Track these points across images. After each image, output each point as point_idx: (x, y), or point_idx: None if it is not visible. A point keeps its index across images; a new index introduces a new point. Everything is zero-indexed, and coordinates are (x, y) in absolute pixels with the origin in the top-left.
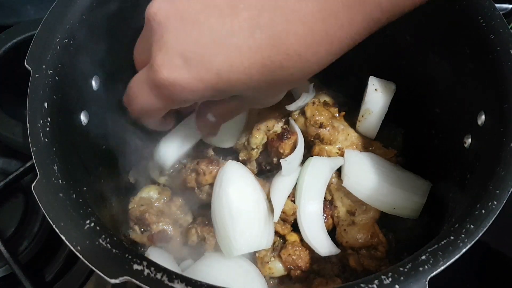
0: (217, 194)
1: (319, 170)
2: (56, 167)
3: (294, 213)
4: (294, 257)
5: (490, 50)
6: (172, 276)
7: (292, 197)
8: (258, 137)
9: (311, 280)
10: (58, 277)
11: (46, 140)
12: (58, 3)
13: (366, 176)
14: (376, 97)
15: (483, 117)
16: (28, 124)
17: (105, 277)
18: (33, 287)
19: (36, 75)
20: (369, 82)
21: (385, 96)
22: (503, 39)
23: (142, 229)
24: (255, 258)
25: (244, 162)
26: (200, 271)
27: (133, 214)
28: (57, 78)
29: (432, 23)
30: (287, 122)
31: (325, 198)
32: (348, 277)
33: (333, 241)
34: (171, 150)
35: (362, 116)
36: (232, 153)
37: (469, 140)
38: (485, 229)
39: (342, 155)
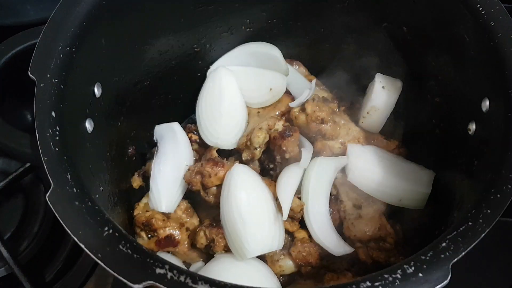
0: (225, 198)
1: (325, 170)
2: (69, 176)
3: (301, 210)
4: (304, 254)
5: (491, 37)
6: (196, 278)
7: (298, 194)
8: (261, 136)
9: (321, 275)
10: (58, 277)
11: (57, 149)
12: (57, 11)
13: (370, 170)
14: (383, 95)
15: (487, 103)
16: (37, 134)
17: (128, 283)
18: (33, 287)
19: (41, 84)
20: (375, 79)
21: (392, 94)
22: (503, 26)
23: (149, 235)
24: (265, 256)
25: (247, 162)
26: (212, 273)
27: (139, 220)
28: (62, 86)
29: (430, 12)
30: (288, 120)
31: (330, 193)
32: (358, 270)
33: (340, 235)
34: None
35: (368, 113)
36: (235, 154)
37: (474, 126)
38: (502, 213)
39: (344, 149)
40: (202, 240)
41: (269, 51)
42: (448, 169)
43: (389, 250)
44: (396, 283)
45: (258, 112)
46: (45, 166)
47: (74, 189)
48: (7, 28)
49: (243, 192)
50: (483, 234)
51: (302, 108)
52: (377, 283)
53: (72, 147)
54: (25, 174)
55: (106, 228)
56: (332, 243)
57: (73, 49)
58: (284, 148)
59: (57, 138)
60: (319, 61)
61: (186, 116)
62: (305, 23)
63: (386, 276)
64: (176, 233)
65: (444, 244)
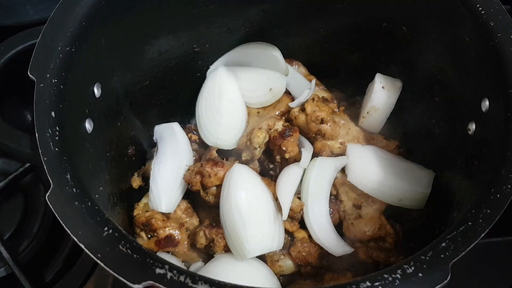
0: (225, 198)
1: (325, 171)
2: (69, 176)
3: (301, 210)
4: (304, 254)
5: (491, 37)
6: (196, 278)
7: (298, 194)
8: (261, 136)
9: (321, 275)
10: (58, 277)
11: (57, 149)
12: (57, 11)
13: (370, 169)
14: (383, 95)
15: (487, 103)
16: (37, 134)
17: (128, 283)
18: (33, 287)
19: (41, 85)
20: (375, 79)
21: (392, 93)
22: (503, 26)
23: (149, 235)
24: (265, 256)
25: (247, 162)
26: (212, 273)
27: (139, 220)
28: (61, 86)
29: (429, 13)
30: (287, 120)
31: (330, 193)
32: (358, 270)
33: (340, 235)
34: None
35: (367, 113)
36: (235, 154)
37: (473, 126)
38: (501, 213)
39: (344, 149)
40: (202, 240)
41: (269, 51)
42: (448, 169)
43: (389, 250)
44: (396, 283)
45: (258, 112)
46: (45, 166)
47: (74, 189)
48: (7, 28)
49: (243, 192)
50: (483, 234)
51: (302, 108)
52: (377, 283)
53: (72, 147)
54: (25, 174)
55: (106, 228)
56: (332, 243)
57: (73, 49)
58: (284, 148)
59: (57, 138)
60: (318, 61)
61: (186, 116)
62: (305, 23)
63: (386, 276)
64: (176, 233)
65: (444, 244)
